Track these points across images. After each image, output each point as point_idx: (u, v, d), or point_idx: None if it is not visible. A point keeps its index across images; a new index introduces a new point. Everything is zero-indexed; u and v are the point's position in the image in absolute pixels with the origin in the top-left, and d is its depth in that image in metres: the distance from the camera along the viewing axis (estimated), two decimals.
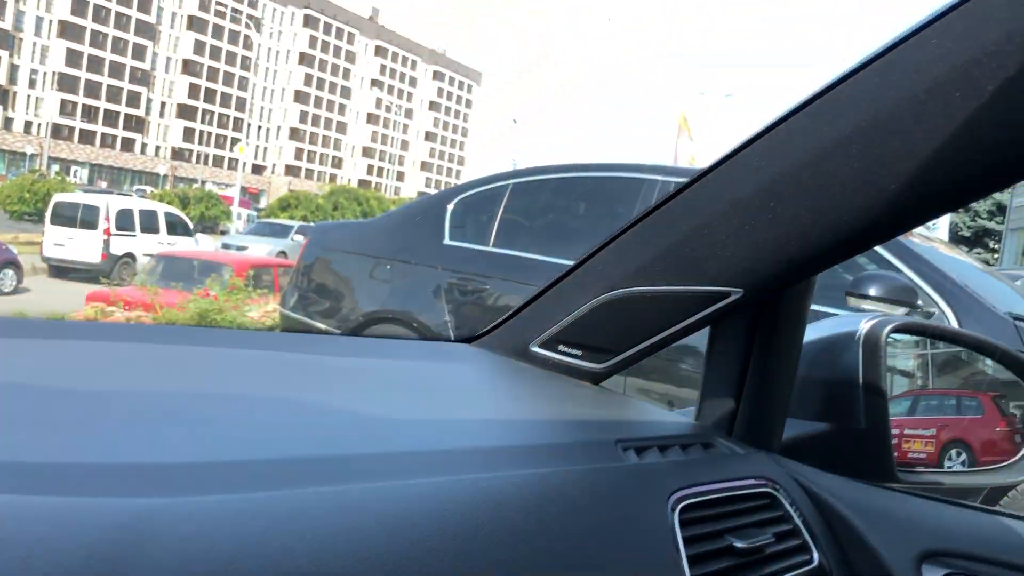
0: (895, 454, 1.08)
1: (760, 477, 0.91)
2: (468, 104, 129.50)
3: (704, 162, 1.11)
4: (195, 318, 7.66)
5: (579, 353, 1.12)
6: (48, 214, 18.37)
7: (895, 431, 1.18)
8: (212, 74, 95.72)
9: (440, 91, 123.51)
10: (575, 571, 0.65)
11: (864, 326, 1.08)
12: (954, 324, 3.22)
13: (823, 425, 1.08)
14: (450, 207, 4.66)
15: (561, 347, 1.14)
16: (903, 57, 0.73)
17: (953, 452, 1.45)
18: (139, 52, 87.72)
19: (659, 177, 4.08)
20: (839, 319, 1.20)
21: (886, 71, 0.74)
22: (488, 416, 0.91)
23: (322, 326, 5.03)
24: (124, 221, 17.93)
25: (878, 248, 3.39)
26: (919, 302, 3.24)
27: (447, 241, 4.59)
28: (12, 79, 78.95)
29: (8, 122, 78.87)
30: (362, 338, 1.24)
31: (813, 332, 1.10)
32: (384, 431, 0.75)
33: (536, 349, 1.16)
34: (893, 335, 1.12)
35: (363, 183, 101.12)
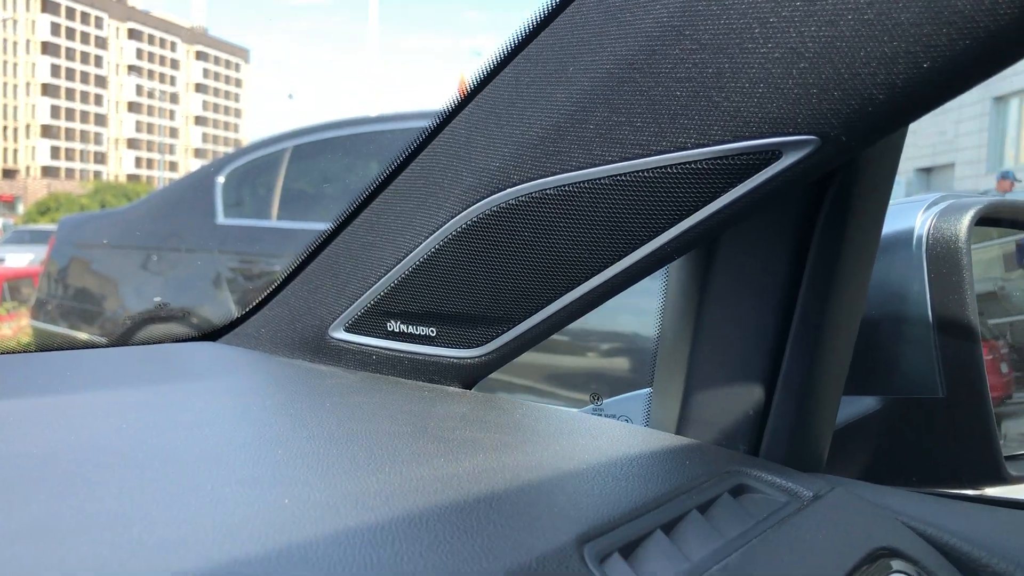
0: (999, 430, 0.67)
1: (870, 552, 0.49)
2: (238, 83, 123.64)
3: None
4: None
5: (431, 332, 0.67)
6: None
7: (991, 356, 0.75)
8: None
9: (206, 72, 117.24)
10: None
11: (927, 220, 0.66)
12: None
13: (875, 401, 0.66)
14: (220, 180, 4.02)
15: (393, 325, 0.69)
16: None
17: None
18: None
19: None
20: None
21: None
22: (279, 514, 0.41)
23: (83, 335, 4.32)
24: None
25: None
26: None
27: (221, 220, 3.97)
28: None
29: None
30: (33, 354, 0.67)
31: None
32: None
33: (341, 335, 0.71)
34: (978, 228, 0.70)
35: (132, 177, 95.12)
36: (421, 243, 0.66)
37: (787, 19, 0.47)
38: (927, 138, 22.95)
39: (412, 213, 0.67)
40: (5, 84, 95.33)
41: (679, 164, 0.53)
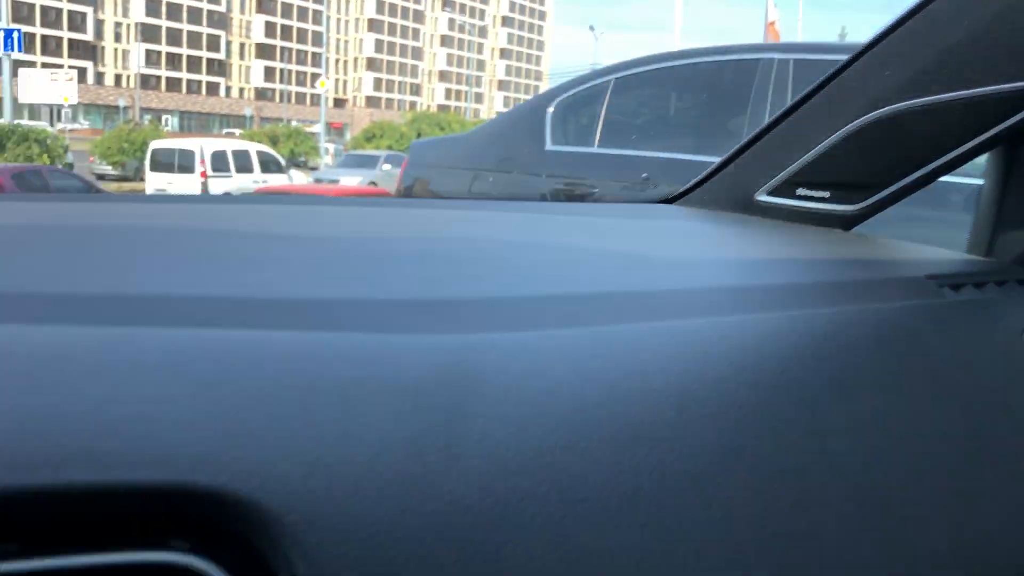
0: None
1: None
2: (542, 16, 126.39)
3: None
4: None
5: (826, 195, 0.97)
6: (147, 162, 18.89)
7: None
8: (286, 10, 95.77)
9: (512, 5, 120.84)
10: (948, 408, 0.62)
11: None
12: None
13: None
14: (550, 111, 4.48)
15: (800, 191, 0.99)
16: None
17: None
18: None
19: (775, 55, 3.74)
20: None
21: None
22: (740, 256, 0.82)
23: None
24: (219, 163, 18.24)
25: None
26: None
27: (549, 146, 4.43)
28: (99, 34, 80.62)
29: (100, 77, 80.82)
30: (552, 202, 1.17)
31: None
32: (633, 273, 0.69)
33: (764, 198, 1.02)
34: None
35: (442, 108, 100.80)
36: (826, 139, 0.94)
37: None
38: None
39: (821, 119, 0.95)
40: (338, 20, 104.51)
41: (991, 94, 0.80)
